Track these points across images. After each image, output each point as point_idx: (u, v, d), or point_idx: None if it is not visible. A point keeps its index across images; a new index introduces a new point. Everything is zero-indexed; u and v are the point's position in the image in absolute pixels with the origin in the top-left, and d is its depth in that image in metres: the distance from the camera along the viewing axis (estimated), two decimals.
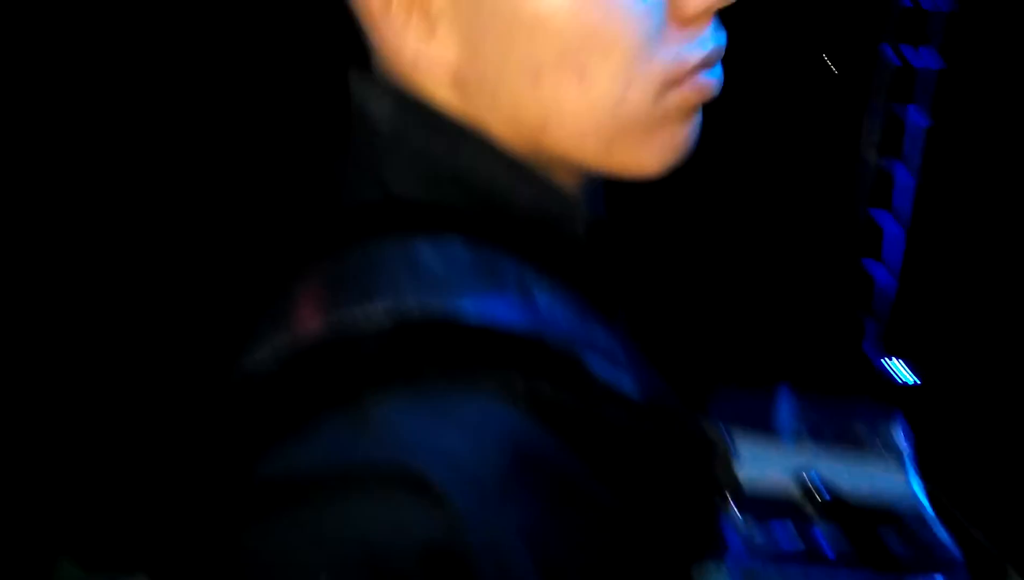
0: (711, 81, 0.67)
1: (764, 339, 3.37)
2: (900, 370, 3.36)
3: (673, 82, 0.65)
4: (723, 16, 0.73)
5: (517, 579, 0.53)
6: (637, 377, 0.66)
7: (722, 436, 0.76)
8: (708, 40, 0.66)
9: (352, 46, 0.71)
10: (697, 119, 0.69)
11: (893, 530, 0.86)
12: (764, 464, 1.01)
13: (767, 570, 0.84)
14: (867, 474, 1.06)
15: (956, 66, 3.61)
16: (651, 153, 0.68)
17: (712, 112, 0.76)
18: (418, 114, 0.67)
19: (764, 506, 0.94)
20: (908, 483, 1.10)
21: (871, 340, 3.65)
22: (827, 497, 0.85)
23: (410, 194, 0.67)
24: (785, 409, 1.35)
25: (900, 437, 1.16)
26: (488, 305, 0.60)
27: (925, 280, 3.59)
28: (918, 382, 3.26)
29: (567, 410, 0.60)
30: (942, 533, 0.87)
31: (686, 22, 0.64)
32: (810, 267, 3.73)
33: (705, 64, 0.66)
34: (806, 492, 0.85)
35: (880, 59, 3.83)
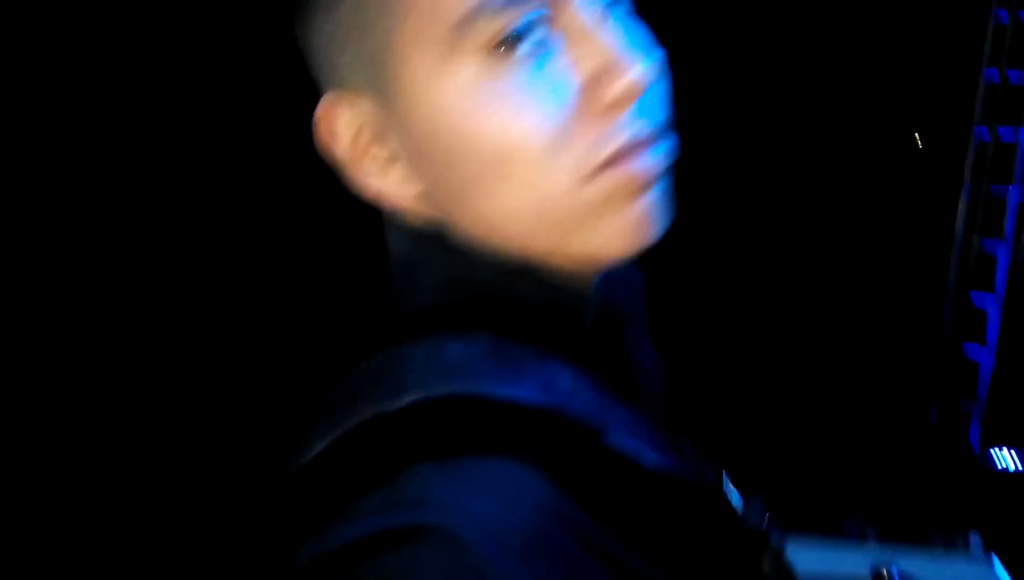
0: (650, 163, 0.69)
1: (860, 433, 3.27)
2: (1004, 458, 3.20)
3: (596, 169, 0.68)
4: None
5: None
6: (665, 453, 0.69)
7: (764, 521, 0.79)
8: (629, 125, 0.69)
9: None
10: (652, 197, 0.71)
11: None
12: (831, 560, 0.93)
13: None
14: (951, 570, 0.98)
15: None
16: (607, 237, 0.71)
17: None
18: (433, 244, 0.74)
19: None
20: (994, 575, 1.01)
21: (974, 427, 3.49)
22: None
23: (430, 308, 0.74)
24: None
25: (978, 545, 1.07)
26: (508, 386, 0.65)
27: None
28: (1021, 470, 3.11)
29: (588, 479, 0.64)
30: None
31: (602, 111, 0.68)
32: (908, 351, 3.61)
33: (633, 147, 0.69)
34: None
35: (976, 139, 3.75)
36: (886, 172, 3.75)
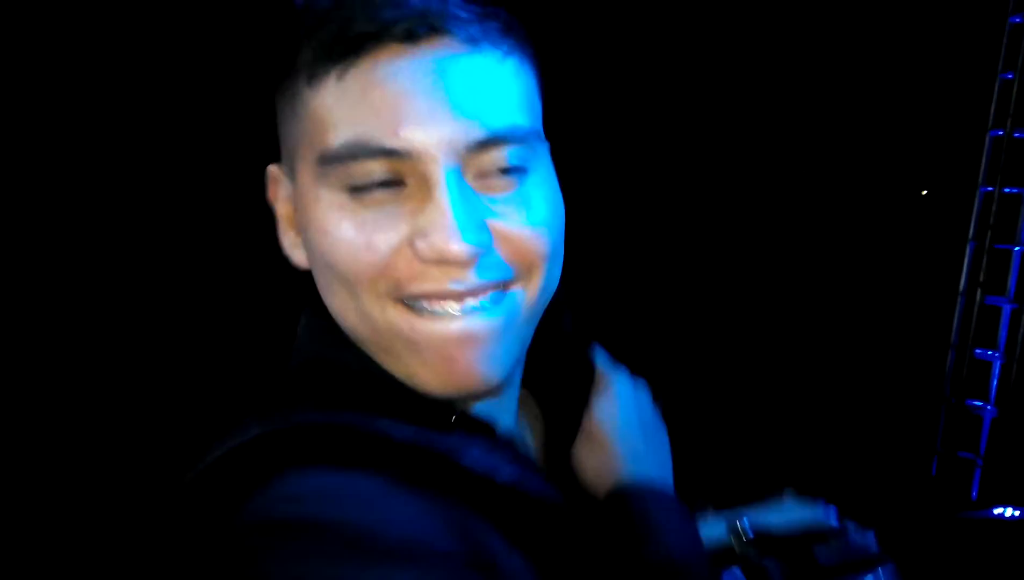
0: (465, 329, 0.79)
1: (864, 483, 3.27)
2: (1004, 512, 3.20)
3: (400, 299, 0.79)
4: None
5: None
6: (515, 473, 0.81)
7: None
8: (439, 279, 0.78)
9: None
10: (478, 357, 0.80)
11: (823, 547, 0.87)
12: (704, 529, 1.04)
13: None
14: (790, 512, 1.05)
15: None
16: (417, 368, 0.81)
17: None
18: (311, 322, 0.89)
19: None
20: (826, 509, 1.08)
21: (977, 483, 3.49)
22: (751, 535, 0.87)
23: (308, 378, 0.86)
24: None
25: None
26: (380, 424, 0.79)
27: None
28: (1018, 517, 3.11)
29: (444, 488, 0.74)
30: (868, 537, 0.87)
31: (420, 261, 0.78)
32: (911, 404, 3.62)
33: (438, 297, 0.79)
34: (737, 537, 0.87)
35: (981, 195, 3.78)
36: (893, 228, 3.78)
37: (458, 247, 0.73)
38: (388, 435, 0.76)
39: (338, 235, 0.78)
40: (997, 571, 2.86)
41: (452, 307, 0.78)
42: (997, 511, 3.29)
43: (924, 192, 3.89)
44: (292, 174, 0.82)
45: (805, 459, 3.40)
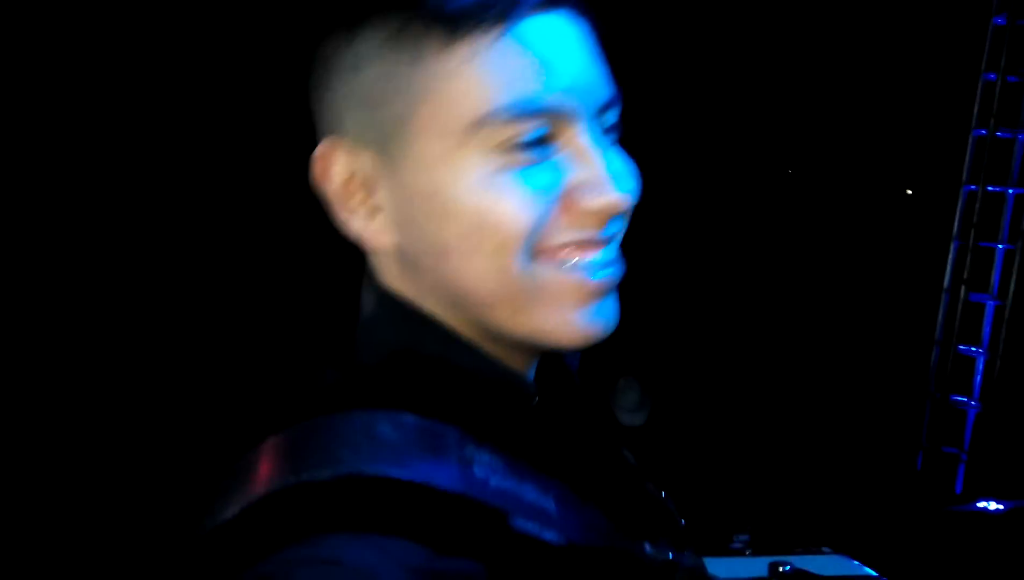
0: (600, 274, 0.79)
1: (847, 480, 3.31)
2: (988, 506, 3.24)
3: (551, 249, 0.78)
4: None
5: None
6: (567, 524, 0.78)
7: (678, 557, 0.86)
8: (592, 229, 0.79)
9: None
10: (600, 301, 0.80)
11: None
12: (735, 569, 1.05)
13: None
14: (834, 565, 1.10)
15: None
16: (553, 322, 0.79)
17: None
18: (390, 306, 0.83)
19: None
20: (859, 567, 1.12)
21: (961, 478, 3.54)
22: (789, 570, 0.91)
23: (374, 372, 0.82)
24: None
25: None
26: (423, 470, 0.73)
27: (1014, 413, 3.49)
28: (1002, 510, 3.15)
29: (495, 557, 0.72)
30: None
31: (576, 215, 0.78)
32: (896, 400, 3.67)
33: (588, 245, 0.79)
34: (775, 574, 0.90)
35: (965, 193, 3.82)
36: (878, 226, 3.82)
37: (620, 196, 0.76)
38: (434, 487, 0.73)
39: (492, 196, 0.77)
40: (981, 565, 2.90)
41: (593, 256, 0.79)
42: (981, 505, 3.33)
43: (909, 191, 3.94)
44: (381, 144, 0.80)
45: (794, 456, 3.44)
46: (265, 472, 0.75)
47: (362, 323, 0.85)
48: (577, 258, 0.79)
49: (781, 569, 0.91)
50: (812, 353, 3.75)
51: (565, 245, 0.78)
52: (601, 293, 0.80)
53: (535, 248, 0.77)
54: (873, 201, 3.86)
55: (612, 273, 0.80)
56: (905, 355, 3.76)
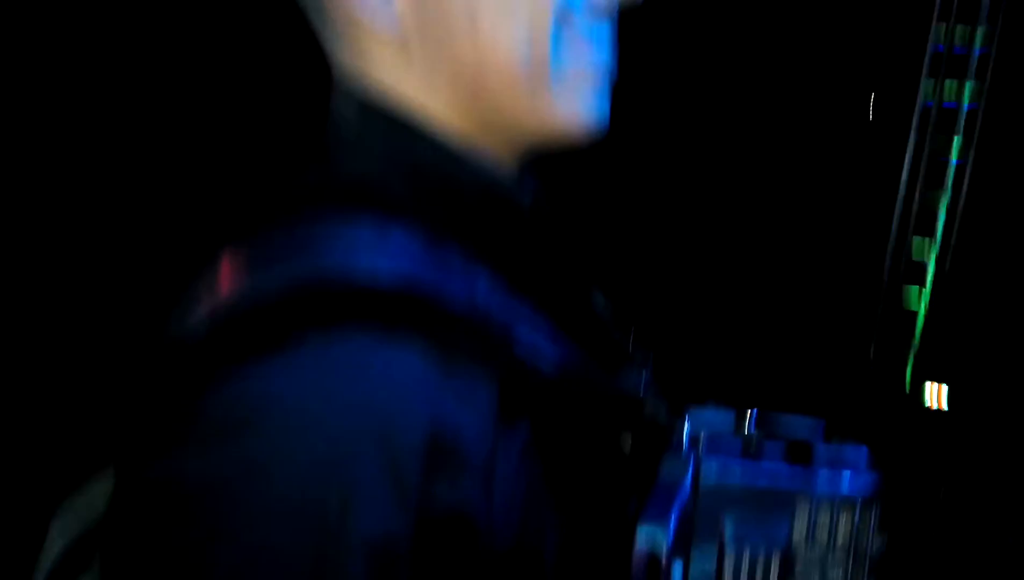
0: (603, 60, 0.77)
1: (796, 364, 3.48)
2: (932, 396, 3.48)
3: (575, 45, 0.76)
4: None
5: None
6: (557, 355, 0.73)
7: (648, 395, 0.82)
8: (609, 32, 0.77)
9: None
10: (602, 95, 0.78)
11: (821, 445, 0.93)
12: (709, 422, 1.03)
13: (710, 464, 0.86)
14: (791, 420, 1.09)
15: (994, 101, 3.70)
16: (567, 108, 0.76)
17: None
18: (376, 109, 0.76)
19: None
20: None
21: (910, 368, 3.75)
22: (755, 416, 0.93)
23: (362, 179, 0.74)
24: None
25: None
26: (431, 274, 0.68)
27: (961, 309, 3.70)
28: (947, 409, 3.38)
29: (501, 367, 0.67)
30: (862, 451, 0.92)
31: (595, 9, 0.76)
32: (848, 293, 3.84)
33: (602, 46, 0.77)
34: (740, 421, 0.93)
35: (919, 99, 3.94)
36: (835, 131, 3.94)
37: None
38: (445, 300, 0.67)
39: None
40: (926, 457, 3.10)
41: (606, 33, 0.78)
42: (928, 398, 3.56)
43: (871, 99, 4.05)
44: None
45: (754, 349, 3.61)
46: (240, 276, 0.68)
47: (338, 134, 0.78)
48: (594, 42, 0.77)
49: (749, 413, 0.92)
50: (769, 252, 3.89)
51: (586, 20, 0.76)
52: (604, 84, 0.79)
53: (561, 19, 0.74)
54: (831, 110, 3.97)
55: (614, 65, 0.78)
56: (860, 252, 3.92)
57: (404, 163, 0.75)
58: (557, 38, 0.74)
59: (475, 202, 0.77)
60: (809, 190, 3.92)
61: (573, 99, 0.76)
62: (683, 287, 3.75)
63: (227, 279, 0.69)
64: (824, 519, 0.79)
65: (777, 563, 0.79)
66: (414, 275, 0.66)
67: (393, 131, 0.76)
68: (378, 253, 0.67)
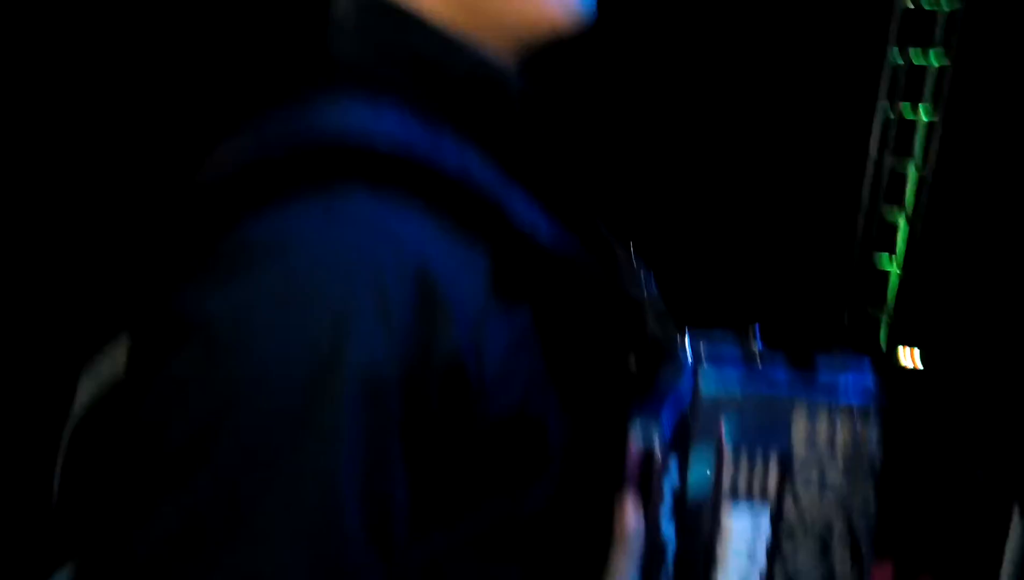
0: None
1: (772, 327, 3.52)
2: (906, 356, 3.53)
3: None
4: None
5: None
6: (553, 237, 0.75)
7: (652, 300, 0.83)
8: None
9: None
10: None
11: (824, 358, 0.94)
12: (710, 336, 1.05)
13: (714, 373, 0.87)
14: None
15: (962, 65, 3.75)
16: (559, 4, 0.78)
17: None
18: (373, 10, 0.77)
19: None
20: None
21: (884, 332, 3.81)
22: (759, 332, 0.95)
23: (358, 62, 0.76)
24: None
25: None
26: (430, 146, 0.70)
27: (933, 273, 3.75)
28: (921, 368, 3.44)
29: (492, 240, 0.69)
30: (864, 361, 0.93)
31: None
32: (822, 259, 3.89)
33: None
34: (746, 340, 0.94)
35: (887, 62, 3.98)
36: (806, 98, 3.97)
37: None
38: (442, 165, 0.69)
39: None
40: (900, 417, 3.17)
41: None
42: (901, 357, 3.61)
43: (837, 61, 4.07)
44: None
45: (729, 314, 3.64)
46: (251, 140, 0.71)
47: (336, 26, 0.80)
48: None
49: (751, 327, 0.93)
50: (744, 220, 3.93)
51: None
52: None
53: None
54: (800, 73, 4.00)
55: None
56: (833, 219, 3.97)
57: (400, 49, 0.77)
58: None
59: (469, 86, 0.77)
60: (778, 159, 3.96)
61: None
62: (657, 245, 3.76)
63: (239, 144, 0.71)
64: (823, 424, 0.80)
65: (776, 466, 0.81)
66: (406, 139, 0.69)
67: (389, 21, 0.77)
68: (371, 119, 0.69)
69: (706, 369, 0.78)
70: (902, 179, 3.96)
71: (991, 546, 2.67)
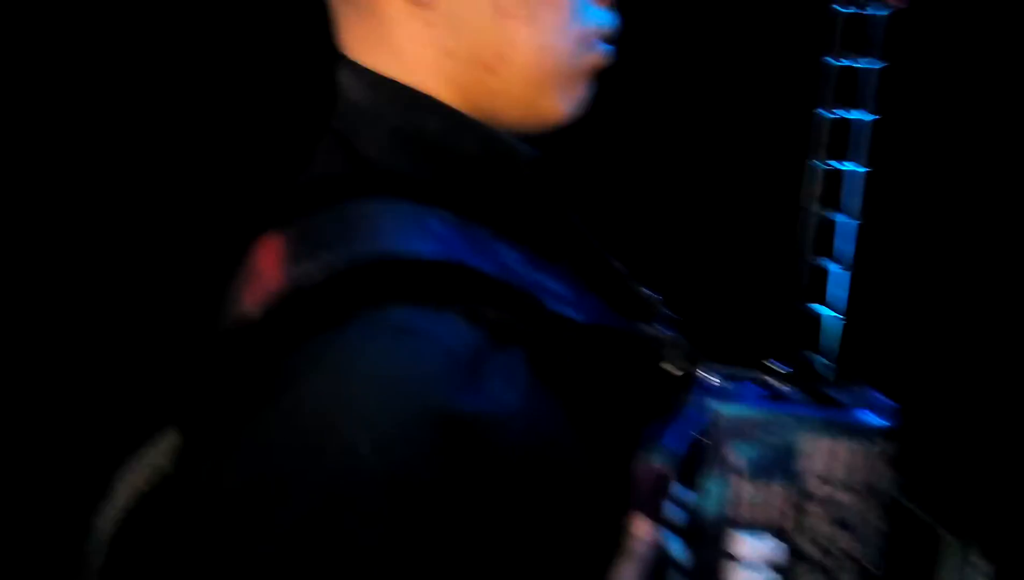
0: (610, 52, 0.88)
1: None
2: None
3: (587, 42, 0.86)
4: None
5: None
6: (583, 307, 0.82)
7: (670, 334, 0.89)
8: (614, 16, 0.87)
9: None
10: (594, 85, 0.86)
11: (838, 392, 0.98)
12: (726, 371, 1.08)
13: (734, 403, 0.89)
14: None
15: (888, 116, 3.87)
16: (565, 103, 0.87)
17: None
18: (389, 84, 0.83)
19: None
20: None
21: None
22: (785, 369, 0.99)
23: (380, 159, 0.81)
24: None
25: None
26: (466, 254, 0.75)
27: (869, 318, 3.84)
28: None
29: (526, 335, 0.75)
30: (878, 395, 0.97)
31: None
32: (760, 310, 3.95)
33: (610, 37, 0.87)
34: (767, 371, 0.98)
35: (818, 117, 4.09)
36: (737, 146, 4.07)
37: None
38: (482, 271, 0.75)
39: None
40: None
41: (606, 45, 0.86)
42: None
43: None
44: None
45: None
46: (289, 262, 0.74)
47: (348, 116, 0.85)
48: (600, 47, 0.86)
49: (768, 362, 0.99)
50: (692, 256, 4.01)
51: (600, 33, 0.86)
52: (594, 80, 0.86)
53: (578, 29, 0.84)
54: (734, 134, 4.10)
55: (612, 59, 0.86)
56: (773, 267, 4.05)
57: (420, 133, 0.82)
58: (574, 44, 0.83)
59: (487, 165, 0.84)
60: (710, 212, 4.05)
61: (572, 96, 0.87)
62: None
63: (275, 266, 0.74)
64: (836, 451, 0.83)
65: (788, 493, 0.84)
66: (455, 256, 0.74)
67: (410, 106, 0.82)
68: (419, 238, 0.75)
69: (721, 396, 0.82)
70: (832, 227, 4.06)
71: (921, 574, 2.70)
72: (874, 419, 0.86)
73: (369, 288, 0.71)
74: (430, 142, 0.84)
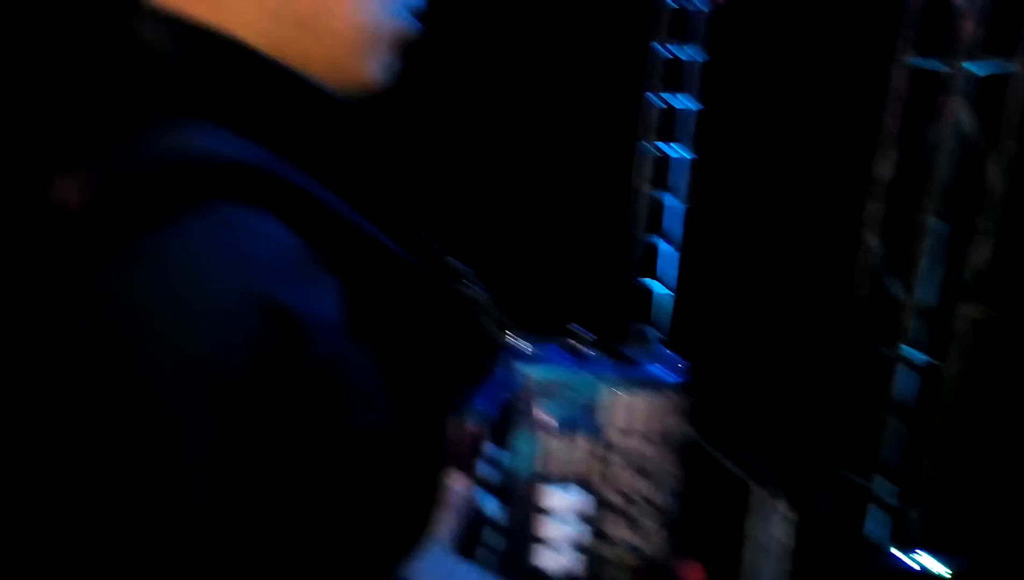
0: (418, 26, 0.85)
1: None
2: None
3: (398, 12, 0.82)
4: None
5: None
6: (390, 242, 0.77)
7: (485, 296, 0.86)
8: None
9: None
10: (403, 57, 0.85)
11: (635, 350, 1.00)
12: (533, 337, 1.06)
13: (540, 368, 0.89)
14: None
15: (713, 105, 4.15)
16: (377, 68, 0.82)
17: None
18: (203, 38, 0.77)
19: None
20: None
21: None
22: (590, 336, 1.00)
23: (193, 102, 0.75)
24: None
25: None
26: (276, 166, 0.71)
27: (695, 291, 4.07)
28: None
29: (345, 265, 0.70)
30: (672, 354, 1.01)
31: None
32: (595, 287, 4.16)
33: (417, 12, 0.84)
34: (575, 339, 0.99)
35: (646, 102, 4.37)
36: (575, 137, 4.19)
37: None
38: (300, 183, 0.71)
39: None
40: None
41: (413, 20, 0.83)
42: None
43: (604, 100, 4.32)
44: None
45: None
46: (104, 172, 0.68)
47: (148, 59, 0.77)
48: (408, 20, 0.82)
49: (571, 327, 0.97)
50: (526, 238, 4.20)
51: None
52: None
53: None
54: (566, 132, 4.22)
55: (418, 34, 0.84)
56: (608, 245, 4.23)
57: (241, 83, 0.78)
58: (386, 11, 0.81)
59: (295, 106, 0.80)
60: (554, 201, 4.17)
61: (383, 62, 0.84)
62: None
63: (88, 178, 0.69)
64: (635, 405, 0.93)
65: (592, 446, 0.89)
66: (278, 170, 0.71)
67: (226, 53, 0.78)
68: (242, 148, 0.71)
69: (529, 359, 0.88)
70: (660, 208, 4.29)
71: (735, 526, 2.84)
72: (667, 374, 0.96)
73: (195, 186, 0.66)
74: (246, 86, 0.78)
